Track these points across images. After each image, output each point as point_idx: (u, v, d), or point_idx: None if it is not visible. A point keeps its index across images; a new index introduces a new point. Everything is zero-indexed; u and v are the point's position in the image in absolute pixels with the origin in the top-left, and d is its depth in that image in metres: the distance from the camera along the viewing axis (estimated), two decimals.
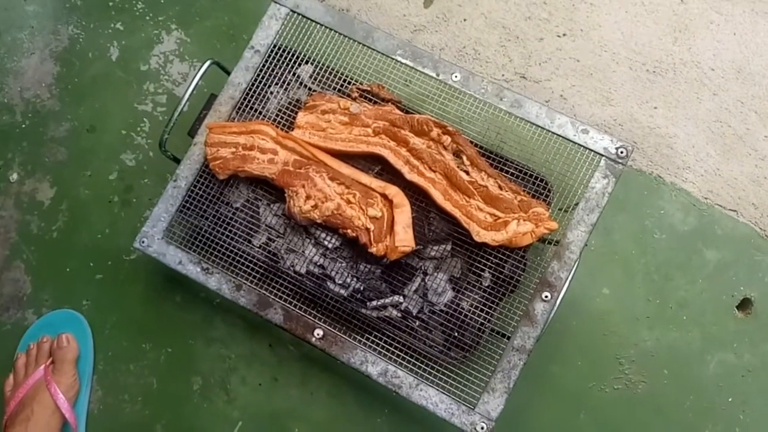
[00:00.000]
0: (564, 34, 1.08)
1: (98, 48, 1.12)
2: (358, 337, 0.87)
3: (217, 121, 0.90)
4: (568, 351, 0.97)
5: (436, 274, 0.88)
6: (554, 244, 0.84)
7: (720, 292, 0.98)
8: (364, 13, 1.11)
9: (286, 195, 0.87)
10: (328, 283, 0.88)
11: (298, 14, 0.92)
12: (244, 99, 0.92)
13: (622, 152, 0.83)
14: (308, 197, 0.86)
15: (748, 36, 1.06)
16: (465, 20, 1.09)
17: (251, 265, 0.89)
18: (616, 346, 0.97)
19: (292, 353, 0.99)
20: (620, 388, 0.96)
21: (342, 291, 0.88)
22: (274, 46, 0.92)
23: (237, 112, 0.92)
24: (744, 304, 0.98)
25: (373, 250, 0.84)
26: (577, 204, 0.83)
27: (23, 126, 1.09)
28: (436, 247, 0.88)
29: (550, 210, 0.85)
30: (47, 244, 1.05)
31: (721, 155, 1.03)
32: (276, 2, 0.92)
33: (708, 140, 1.03)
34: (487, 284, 0.88)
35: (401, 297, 0.88)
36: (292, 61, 0.93)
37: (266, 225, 0.91)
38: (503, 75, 1.07)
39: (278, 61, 0.92)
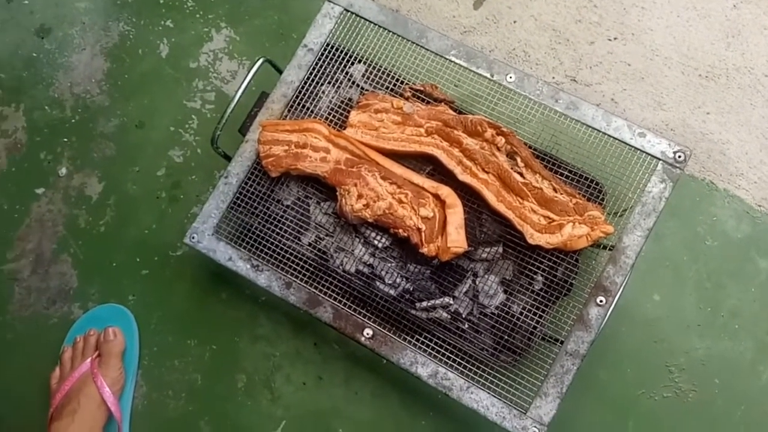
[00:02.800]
0: (615, 38, 1.06)
1: (148, 45, 1.12)
2: (408, 338, 0.86)
3: (270, 119, 0.90)
4: (617, 357, 0.96)
5: (487, 276, 0.87)
6: (609, 249, 0.83)
7: None
8: (414, 13, 1.11)
9: (337, 193, 0.87)
10: (377, 283, 0.88)
11: (352, 13, 0.92)
12: (297, 97, 0.92)
13: (680, 156, 0.82)
14: (360, 196, 0.85)
15: None
16: (515, 22, 1.08)
17: (300, 263, 0.88)
18: (665, 353, 0.95)
19: (336, 352, 0.98)
20: (670, 396, 0.94)
21: (391, 291, 0.88)
22: (327, 45, 0.92)
23: (289, 111, 0.92)
24: None
25: (424, 250, 0.84)
26: (632, 208, 0.82)
27: (73, 121, 1.10)
28: (487, 249, 0.87)
29: (605, 214, 0.83)
30: (94, 238, 1.06)
31: None
32: (330, 1, 0.92)
33: (761, 147, 1.01)
34: (539, 287, 0.86)
35: (451, 298, 0.87)
36: (345, 60, 0.93)
37: (316, 223, 0.91)
38: (553, 77, 1.06)
39: (331, 59, 0.92)
